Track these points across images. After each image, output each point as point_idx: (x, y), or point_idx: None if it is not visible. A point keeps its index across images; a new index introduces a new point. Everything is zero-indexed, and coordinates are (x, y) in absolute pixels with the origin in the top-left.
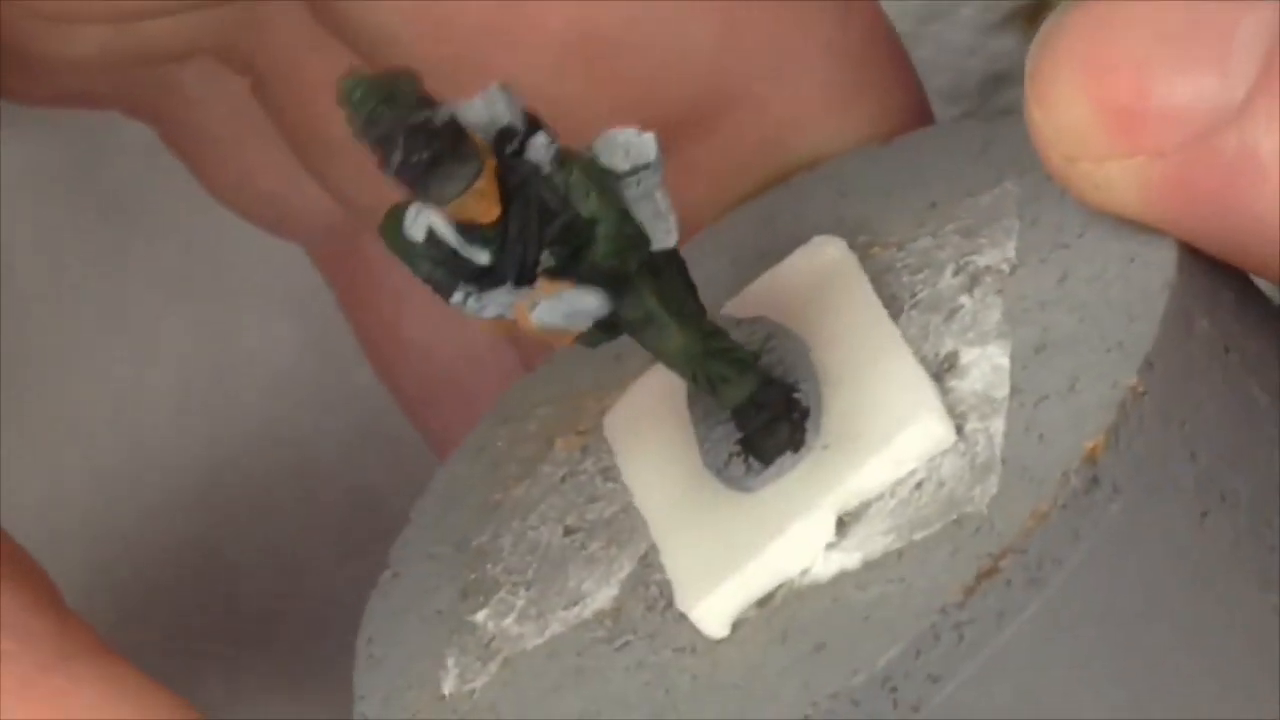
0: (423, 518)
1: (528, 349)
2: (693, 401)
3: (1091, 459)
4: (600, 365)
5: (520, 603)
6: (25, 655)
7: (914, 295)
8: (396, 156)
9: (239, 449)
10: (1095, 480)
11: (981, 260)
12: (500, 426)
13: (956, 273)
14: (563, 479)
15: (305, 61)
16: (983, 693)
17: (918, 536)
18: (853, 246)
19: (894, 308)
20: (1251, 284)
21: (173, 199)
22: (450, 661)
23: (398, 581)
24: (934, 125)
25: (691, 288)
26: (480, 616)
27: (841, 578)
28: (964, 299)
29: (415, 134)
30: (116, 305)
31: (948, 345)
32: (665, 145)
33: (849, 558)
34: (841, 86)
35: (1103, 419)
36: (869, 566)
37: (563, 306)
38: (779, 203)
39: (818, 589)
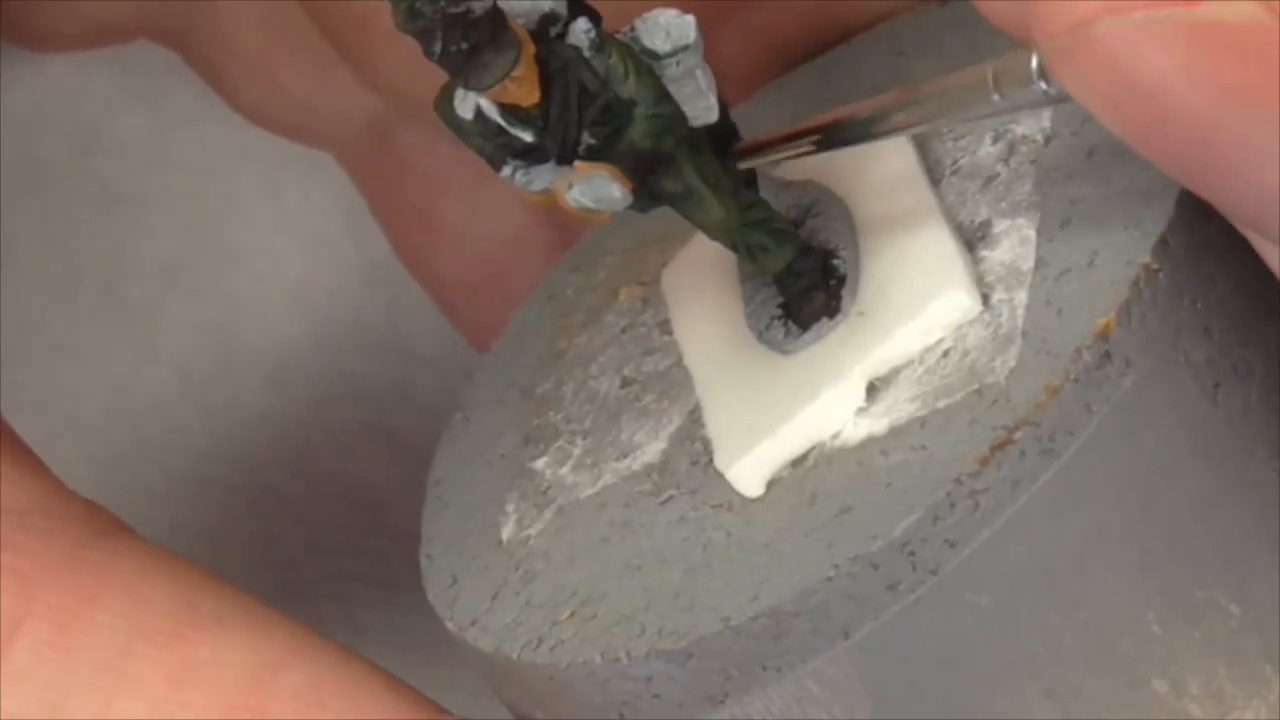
0: (494, 361)
1: (569, 228)
2: (741, 264)
3: (1104, 335)
4: (667, 217)
5: (577, 452)
6: (62, 533)
7: (955, 162)
8: (436, 47)
9: (237, 441)
10: (1108, 355)
11: (1019, 129)
12: (571, 274)
13: (995, 140)
14: (623, 330)
15: None
16: (999, 557)
17: (941, 405)
18: None
19: (936, 173)
20: None
21: (172, 191)
22: (510, 507)
23: (467, 425)
24: None
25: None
26: (540, 464)
27: (869, 443)
28: (1000, 168)
29: (454, 25)
30: (116, 296)
31: (982, 214)
32: (727, 7)
33: (877, 423)
34: None
35: (1116, 296)
36: (894, 433)
37: (592, 191)
38: (839, 61)
39: (846, 453)
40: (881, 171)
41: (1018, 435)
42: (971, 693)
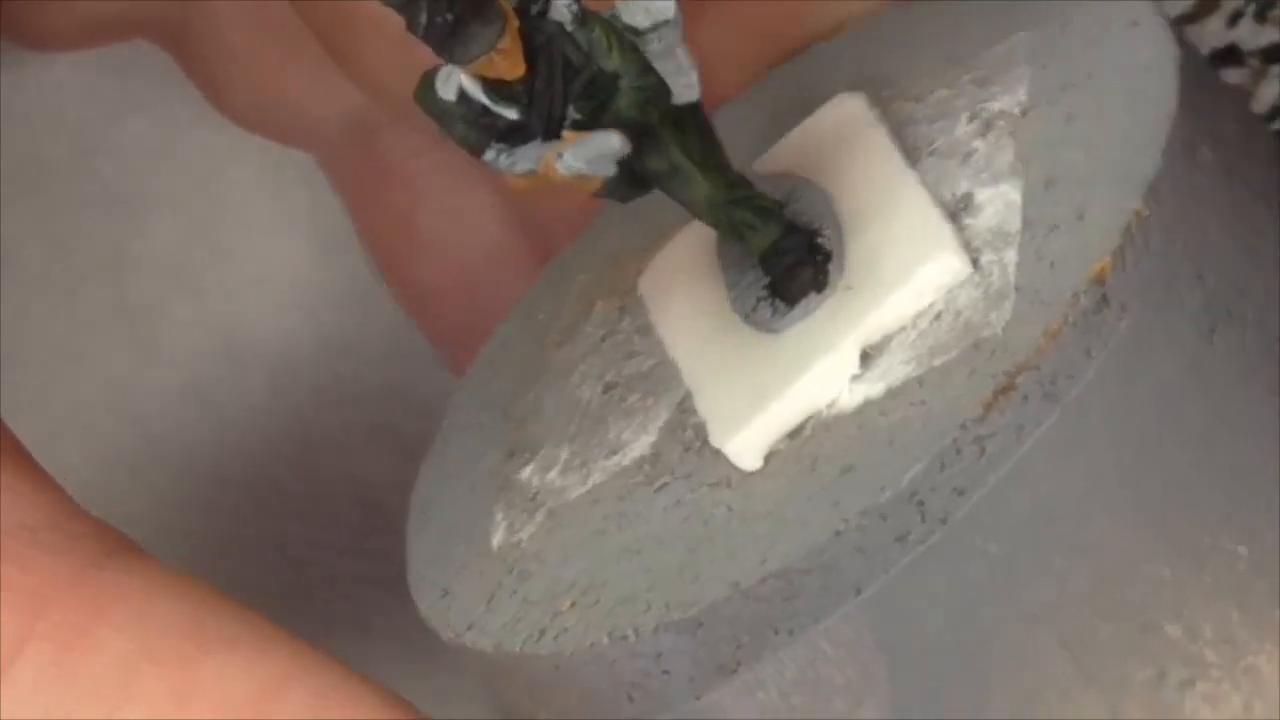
0: (471, 385)
1: (545, 241)
2: (722, 252)
3: (1100, 279)
4: (637, 232)
5: (564, 455)
6: (72, 550)
7: (931, 144)
8: (421, 19)
9: (242, 441)
10: (1104, 299)
11: (995, 106)
12: (545, 292)
13: (971, 119)
14: (602, 339)
15: None
16: (1005, 504)
17: (937, 362)
18: (876, 101)
19: (913, 156)
20: (1253, 117)
21: (174, 191)
22: (499, 516)
23: (446, 448)
24: None
25: (716, 142)
26: (526, 473)
27: (866, 406)
28: (978, 143)
29: None
30: (117, 297)
31: (963, 187)
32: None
33: (873, 388)
34: None
35: (1109, 242)
36: (891, 394)
37: (586, 151)
38: (812, 61)
39: (844, 418)
40: (857, 157)
41: (1019, 380)
42: (984, 642)
